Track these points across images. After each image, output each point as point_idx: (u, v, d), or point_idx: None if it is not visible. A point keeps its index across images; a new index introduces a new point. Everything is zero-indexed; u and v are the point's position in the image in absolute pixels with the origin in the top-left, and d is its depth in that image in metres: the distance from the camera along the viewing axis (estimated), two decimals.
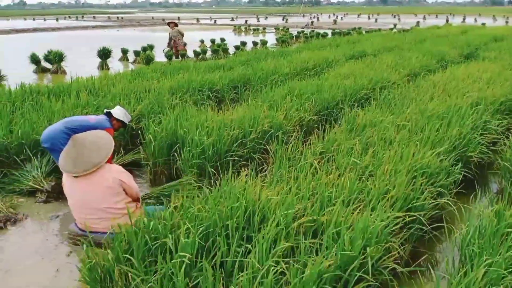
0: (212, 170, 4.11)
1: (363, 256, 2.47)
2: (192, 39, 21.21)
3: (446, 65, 9.95)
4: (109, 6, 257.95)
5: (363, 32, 24.79)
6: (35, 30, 33.37)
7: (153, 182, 4.63)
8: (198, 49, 15.66)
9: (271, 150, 4.25)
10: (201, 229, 2.60)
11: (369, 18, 56.13)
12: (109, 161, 3.49)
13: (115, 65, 14.11)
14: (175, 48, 14.43)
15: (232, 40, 20.77)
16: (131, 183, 3.41)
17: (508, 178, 4.10)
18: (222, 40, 19.58)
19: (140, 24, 42.70)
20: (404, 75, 8.04)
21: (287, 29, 30.11)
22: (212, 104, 6.65)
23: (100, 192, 3.24)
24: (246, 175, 3.27)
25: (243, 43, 18.46)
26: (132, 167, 4.79)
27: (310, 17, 51.91)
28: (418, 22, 38.92)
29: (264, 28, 33.67)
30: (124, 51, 15.67)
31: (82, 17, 62.31)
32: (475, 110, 5.09)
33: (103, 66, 13.58)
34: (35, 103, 5.75)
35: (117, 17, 58.85)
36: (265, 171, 3.90)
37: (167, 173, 4.61)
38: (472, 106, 5.28)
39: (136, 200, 3.49)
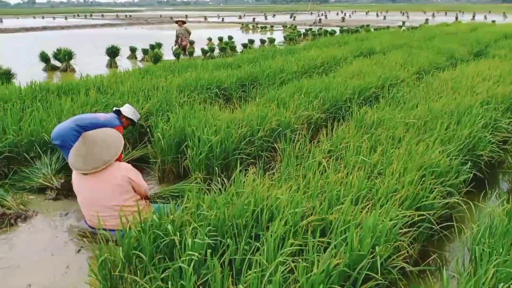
0: (220, 168, 4.12)
1: (371, 255, 2.46)
2: (200, 37, 21.25)
3: (455, 62, 9.86)
4: (118, 4, 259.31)
5: (372, 29, 24.62)
6: (44, 28, 33.63)
7: (162, 180, 4.65)
8: (206, 47, 15.68)
9: (279, 148, 4.25)
10: (209, 227, 2.60)
11: (377, 15, 55.73)
12: (119, 159, 3.51)
13: (123, 63, 14.17)
14: (181, 44, 14.51)
15: (239, 38, 20.78)
16: (140, 181, 3.43)
17: None
18: (230, 38, 19.59)
19: (148, 22, 42.83)
20: (412, 73, 7.97)
21: (295, 26, 30.03)
22: (220, 102, 6.65)
23: (109, 190, 3.26)
24: (254, 173, 3.27)
25: (251, 41, 18.45)
26: (140, 163, 4.81)
27: (318, 15, 51.74)
28: (427, 20, 38.56)
29: (271, 26, 33.63)
30: (133, 49, 15.73)
31: (91, 15, 62.67)
32: (485, 109, 5.03)
33: (112, 64, 13.66)
34: (44, 102, 5.80)
35: (125, 15, 59.11)
36: (273, 169, 3.90)
37: (175, 171, 4.62)
38: (482, 104, 5.23)
39: (144, 198, 3.51)
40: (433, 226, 3.07)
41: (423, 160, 3.53)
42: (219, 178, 3.55)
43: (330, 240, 2.59)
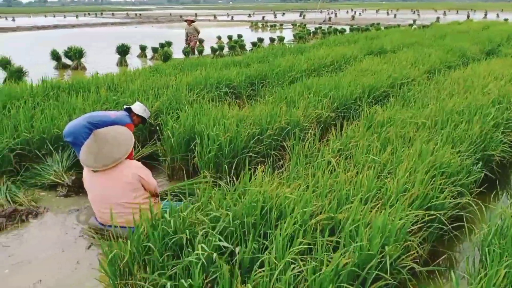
0: (229, 166, 4.13)
1: (381, 255, 2.44)
2: (209, 35, 21.27)
3: (467, 61, 9.76)
4: (128, 3, 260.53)
5: (382, 28, 24.47)
6: (56, 27, 33.96)
7: (171, 177, 4.67)
8: (215, 46, 15.71)
9: (287, 146, 4.24)
10: (218, 226, 2.61)
11: (387, 13, 55.33)
12: (129, 157, 3.53)
13: (133, 61, 14.26)
14: (189, 43, 14.56)
15: (249, 37, 20.78)
16: (149, 179, 3.45)
17: None
18: (239, 36, 19.62)
19: (158, 21, 43.00)
20: (423, 72, 7.91)
21: (305, 25, 29.96)
22: (229, 100, 6.66)
23: (120, 187, 3.29)
24: (262, 171, 3.27)
25: (260, 40, 18.44)
26: (150, 160, 4.84)
27: (328, 13, 51.39)
28: (438, 18, 38.19)
29: (281, 24, 33.59)
30: (142, 48, 15.82)
31: (101, 14, 63.09)
32: (497, 108, 4.98)
33: (122, 63, 13.75)
34: (55, 99, 5.86)
35: (136, 14, 59.35)
36: (281, 168, 3.90)
37: (185, 169, 4.64)
38: (494, 104, 5.17)
39: (154, 195, 3.53)
40: (443, 227, 3.05)
41: (433, 160, 3.50)
42: (228, 176, 3.56)
43: (339, 239, 2.58)
